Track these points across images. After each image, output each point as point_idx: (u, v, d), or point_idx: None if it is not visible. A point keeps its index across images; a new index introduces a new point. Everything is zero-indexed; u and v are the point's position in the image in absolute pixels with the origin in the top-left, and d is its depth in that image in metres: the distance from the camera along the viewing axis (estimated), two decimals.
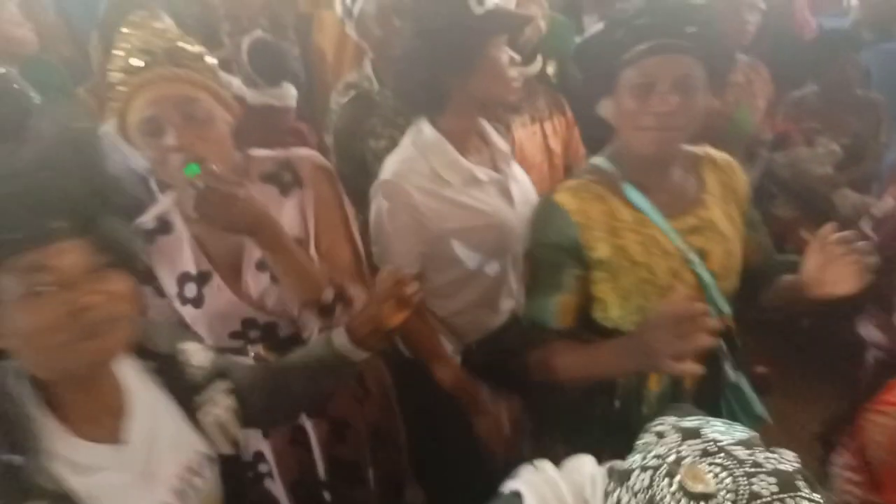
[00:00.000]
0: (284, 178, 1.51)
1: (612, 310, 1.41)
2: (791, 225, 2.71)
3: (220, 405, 1.20)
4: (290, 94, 2.42)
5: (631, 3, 1.32)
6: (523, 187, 1.74)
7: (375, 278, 1.31)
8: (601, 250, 1.39)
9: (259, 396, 1.27)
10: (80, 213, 0.97)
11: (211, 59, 1.41)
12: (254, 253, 1.46)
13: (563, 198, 1.42)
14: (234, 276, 1.47)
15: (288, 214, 1.49)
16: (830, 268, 1.29)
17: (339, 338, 1.27)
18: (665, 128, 1.31)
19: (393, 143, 1.83)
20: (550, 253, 1.43)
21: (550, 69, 2.40)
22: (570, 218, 1.40)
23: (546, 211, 1.45)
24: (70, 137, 0.98)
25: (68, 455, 1.01)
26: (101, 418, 1.05)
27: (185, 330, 1.27)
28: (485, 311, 1.74)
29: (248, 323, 1.48)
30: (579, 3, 3.68)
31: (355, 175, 2.02)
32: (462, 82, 1.57)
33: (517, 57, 1.62)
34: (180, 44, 1.35)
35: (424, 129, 1.64)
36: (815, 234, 1.33)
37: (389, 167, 1.64)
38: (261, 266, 1.46)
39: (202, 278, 1.45)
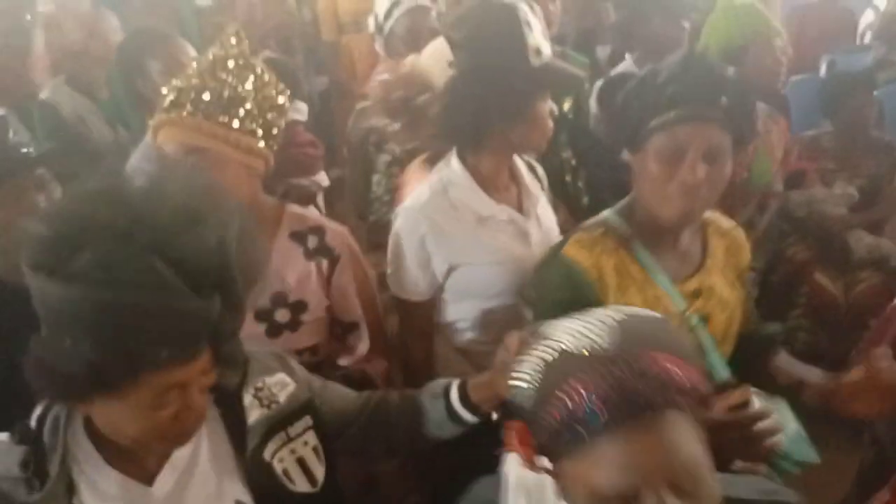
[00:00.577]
0: (310, 243, 1.55)
1: None
2: (805, 266, 2.69)
3: (301, 443, 1.18)
4: (302, 109, 2.46)
5: (665, 67, 1.31)
6: (546, 230, 1.75)
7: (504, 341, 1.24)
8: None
9: (356, 431, 1.28)
10: (223, 331, 0.99)
11: (270, 94, 1.43)
12: (260, 300, 1.47)
13: (577, 254, 1.39)
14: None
15: (300, 276, 1.53)
16: (874, 395, 1.26)
17: (455, 393, 1.26)
18: (691, 198, 1.29)
19: (400, 159, 1.85)
20: (562, 312, 1.39)
21: (566, 105, 2.40)
22: (585, 277, 1.37)
23: (558, 267, 1.42)
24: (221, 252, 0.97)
25: (97, 480, 1.03)
26: (143, 458, 1.06)
27: (276, 360, 1.24)
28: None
29: None
30: (593, 35, 3.71)
31: (363, 183, 2.04)
32: (506, 128, 1.57)
33: (555, 108, 1.64)
34: (236, 84, 1.37)
35: (452, 163, 1.65)
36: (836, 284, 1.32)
37: (413, 195, 1.66)
38: (261, 316, 1.49)
39: None
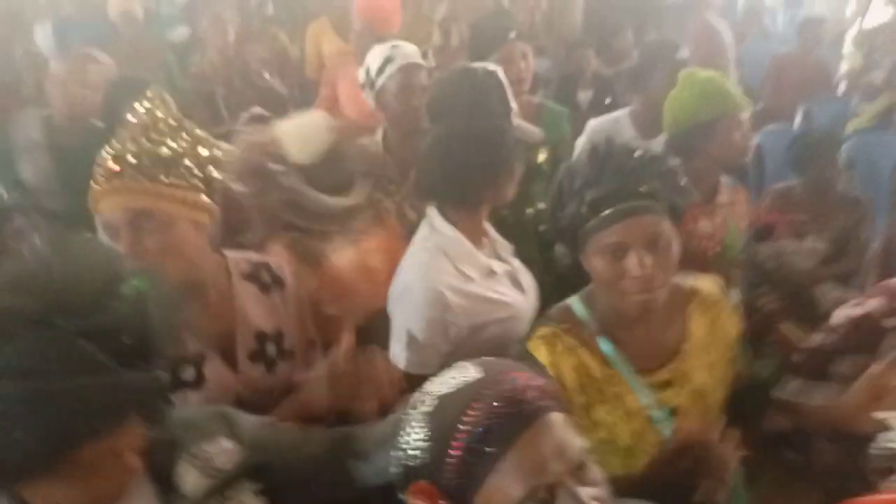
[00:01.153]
0: (263, 278, 1.57)
1: None
2: (772, 317, 2.73)
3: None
4: None
5: (578, 171, 1.32)
6: (528, 276, 1.79)
7: None
8: (572, 408, 1.29)
9: (320, 483, 1.27)
10: (149, 396, 1.02)
11: (203, 152, 1.44)
12: (247, 344, 1.49)
13: (537, 351, 1.38)
14: (228, 359, 1.51)
15: (268, 310, 1.56)
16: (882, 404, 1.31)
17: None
18: (645, 290, 1.28)
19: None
20: None
21: (542, 157, 2.46)
22: (547, 372, 1.33)
23: (522, 360, 1.33)
24: (143, 316, 0.99)
25: None
26: None
27: (218, 423, 1.23)
28: None
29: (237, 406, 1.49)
30: (574, 80, 3.79)
31: None
32: (486, 187, 1.64)
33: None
34: (171, 144, 1.38)
35: (438, 224, 1.69)
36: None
37: (413, 267, 1.68)
38: (254, 357, 1.52)
39: (198, 361, 1.47)
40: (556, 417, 0.88)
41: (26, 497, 1.02)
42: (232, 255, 1.61)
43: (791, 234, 2.80)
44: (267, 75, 3.14)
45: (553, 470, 0.84)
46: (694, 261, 1.45)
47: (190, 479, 1.15)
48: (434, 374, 1.63)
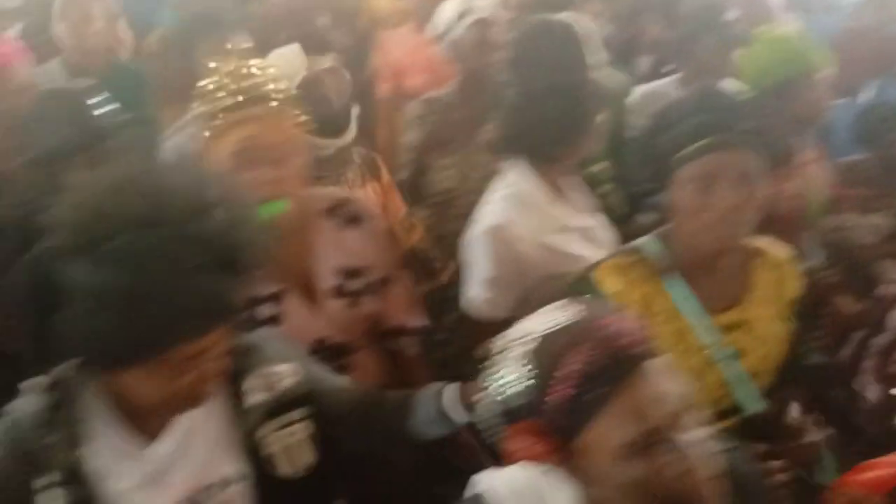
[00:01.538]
0: (344, 214, 1.61)
1: None
2: (829, 290, 2.68)
3: (292, 431, 1.25)
4: None
5: (686, 100, 1.36)
6: (607, 234, 1.81)
7: None
8: None
9: (349, 425, 1.34)
10: (239, 303, 1.08)
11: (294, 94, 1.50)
12: (327, 280, 1.51)
13: (605, 279, 1.41)
14: (308, 294, 1.55)
15: (349, 246, 1.59)
16: None
17: (450, 393, 1.31)
18: (728, 224, 1.31)
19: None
20: None
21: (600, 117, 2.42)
22: (606, 298, 1.38)
23: (585, 290, 1.42)
24: (239, 227, 1.05)
25: (104, 433, 1.12)
26: (149, 418, 1.15)
27: (284, 350, 1.31)
28: None
29: (318, 343, 1.56)
30: (633, 45, 3.71)
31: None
32: (566, 141, 1.67)
33: None
34: (271, 85, 1.41)
35: (517, 175, 1.71)
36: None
37: (490, 213, 1.70)
38: (335, 293, 1.56)
39: (276, 298, 1.52)
40: (660, 362, 0.89)
41: (111, 387, 1.11)
42: (318, 190, 1.65)
43: (856, 208, 2.73)
44: (327, 25, 3.13)
45: (657, 416, 0.85)
46: (776, 222, 1.47)
47: (256, 395, 1.23)
48: (506, 319, 1.70)
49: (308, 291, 1.56)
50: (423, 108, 2.34)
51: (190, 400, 1.13)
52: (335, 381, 1.41)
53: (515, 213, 1.68)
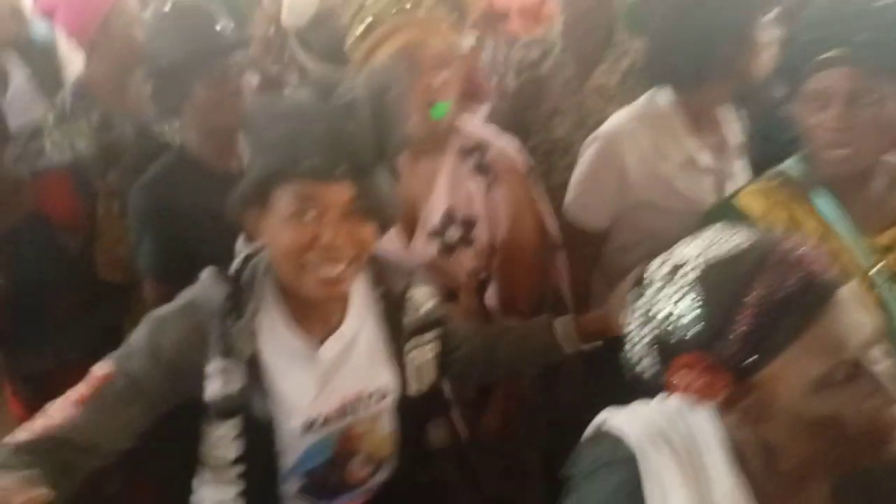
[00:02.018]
0: (475, 159, 1.56)
1: None
2: None
3: (426, 350, 1.29)
4: None
5: (804, 18, 1.29)
6: (743, 179, 1.68)
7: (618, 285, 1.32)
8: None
9: (466, 350, 1.38)
10: (363, 162, 1.08)
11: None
12: (431, 219, 1.47)
13: (749, 202, 1.36)
14: (408, 225, 1.51)
15: (471, 193, 1.54)
16: None
17: (564, 326, 1.33)
18: (844, 145, 1.25)
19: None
20: None
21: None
22: (752, 222, 1.33)
23: (727, 215, 1.35)
24: (375, 93, 1.09)
25: (277, 328, 1.16)
26: (316, 325, 1.20)
27: (420, 276, 1.35)
28: None
29: None
30: None
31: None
32: (729, 55, 1.50)
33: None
34: None
35: (661, 97, 1.61)
36: None
37: (612, 122, 1.64)
38: (434, 234, 1.53)
39: None
40: (850, 289, 0.81)
41: (261, 238, 1.17)
42: (465, 123, 1.60)
43: None
44: None
45: (853, 346, 0.78)
46: None
47: (407, 315, 1.28)
48: (592, 228, 1.66)
49: (409, 223, 1.53)
50: (525, 52, 2.22)
51: (326, 259, 1.10)
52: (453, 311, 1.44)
53: (637, 129, 1.60)
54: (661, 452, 0.85)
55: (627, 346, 0.89)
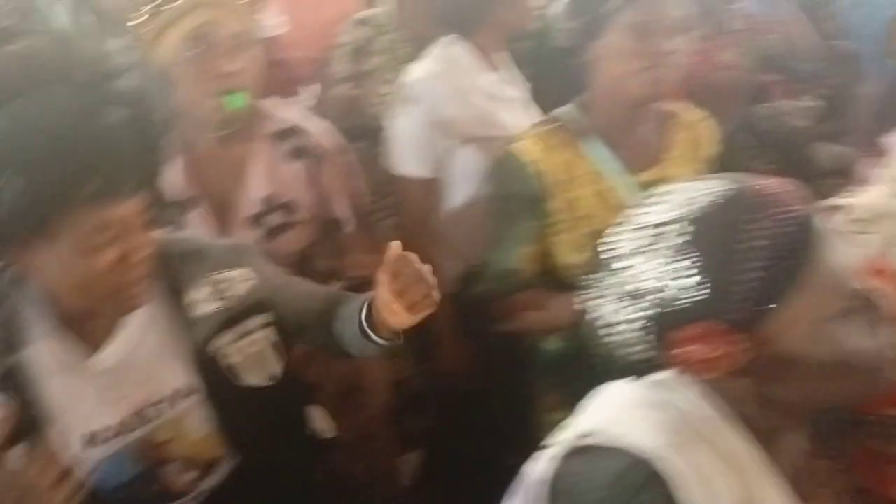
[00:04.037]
0: (292, 142, 1.51)
1: (565, 260, 1.43)
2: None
3: (254, 339, 1.19)
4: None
5: None
6: (533, 110, 1.79)
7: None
8: (556, 201, 1.41)
9: (307, 322, 1.28)
10: (149, 169, 1.02)
11: None
12: (249, 206, 1.43)
13: (526, 149, 1.44)
14: (221, 213, 1.45)
15: (290, 178, 1.50)
16: None
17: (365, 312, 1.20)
18: (662, 67, 1.35)
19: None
20: (510, 204, 1.45)
21: None
22: (529, 169, 1.42)
23: (506, 161, 1.46)
24: (152, 95, 1.00)
25: (44, 339, 1.07)
26: (94, 332, 1.10)
27: (237, 254, 1.23)
28: None
29: None
30: None
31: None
32: (497, 9, 1.65)
33: None
34: None
35: (454, 43, 1.69)
36: None
37: (415, 73, 1.69)
38: (253, 221, 1.47)
39: (185, 206, 1.44)
40: (824, 221, 0.79)
41: (35, 272, 1.03)
42: (273, 108, 1.52)
43: (787, 95, 2.75)
44: None
45: (848, 275, 0.77)
46: (709, 92, 1.62)
47: (206, 305, 1.16)
48: (416, 176, 1.66)
49: (222, 211, 1.47)
50: (355, 32, 2.18)
51: (120, 293, 1.04)
52: (300, 284, 1.33)
53: (440, 72, 1.68)
54: (685, 452, 0.76)
55: (605, 331, 0.81)
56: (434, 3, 1.73)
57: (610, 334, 0.80)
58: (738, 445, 0.79)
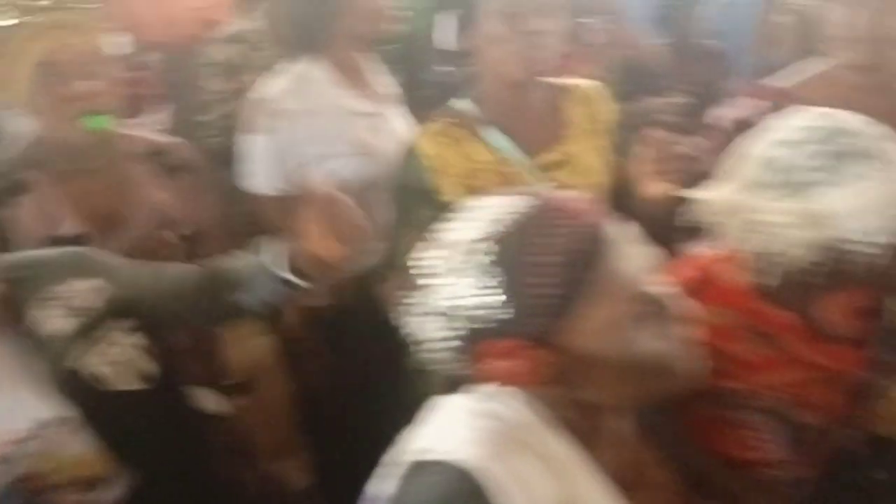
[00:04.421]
0: (161, 162, 1.52)
1: None
2: None
3: (119, 345, 1.16)
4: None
5: None
6: (400, 126, 1.80)
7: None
8: (452, 194, 1.44)
9: (197, 316, 1.26)
10: None
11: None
12: (140, 227, 1.46)
13: (422, 143, 1.50)
14: (109, 239, 1.44)
15: (165, 196, 1.50)
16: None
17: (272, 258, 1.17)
18: (535, 47, 1.40)
19: None
20: (406, 197, 1.50)
21: None
22: (424, 163, 1.47)
23: (405, 156, 1.52)
24: None
25: None
26: None
27: (81, 262, 1.17)
28: None
29: None
30: None
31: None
32: (337, 23, 1.65)
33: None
34: None
35: (302, 62, 1.69)
36: None
37: (265, 91, 1.69)
38: (148, 241, 1.47)
39: (77, 242, 1.40)
40: (622, 226, 0.83)
41: None
42: (130, 130, 1.53)
43: (655, 93, 2.87)
44: None
45: (636, 279, 0.80)
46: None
47: (51, 321, 1.10)
48: (269, 194, 1.69)
49: (116, 237, 1.47)
50: (226, 50, 2.18)
51: None
52: (163, 272, 1.28)
53: (286, 92, 1.69)
54: (506, 460, 0.79)
55: (420, 345, 0.83)
56: (283, 24, 1.74)
57: (428, 351, 0.83)
58: (560, 449, 0.82)
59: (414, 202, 1.48)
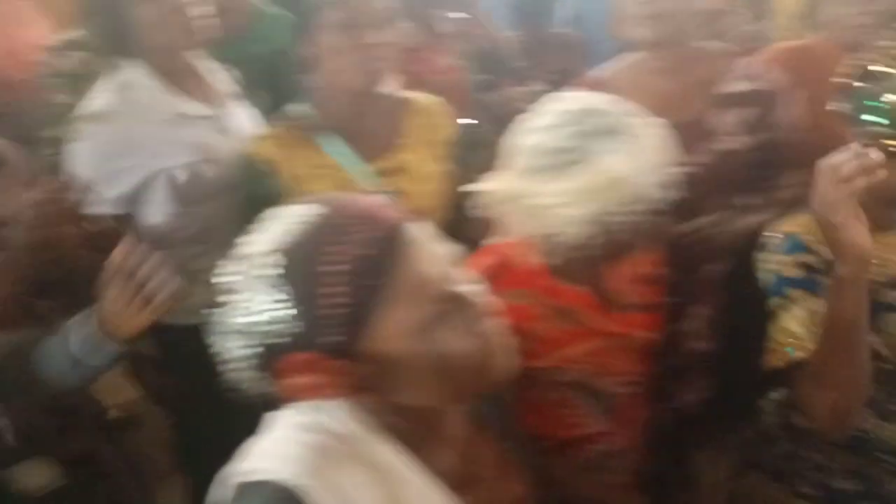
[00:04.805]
0: None
1: None
2: None
3: None
4: None
5: None
6: (242, 125, 1.76)
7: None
8: (290, 198, 1.42)
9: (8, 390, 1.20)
10: None
11: None
12: None
13: (262, 147, 1.52)
14: None
15: None
16: None
17: (79, 331, 1.14)
18: (373, 59, 1.45)
19: None
20: (251, 203, 1.49)
21: None
22: (266, 167, 1.49)
23: (245, 162, 1.54)
24: None
25: None
26: None
27: None
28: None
29: None
30: None
31: None
32: (142, 28, 1.58)
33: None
34: None
35: (124, 69, 1.63)
36: None
37: (89, 102, 1.63)
38: None
39: None
40: (420, 226, 0.81)
41: None
42: None
43: (515, 82, 2.95)
44: None
45: (439, 278, 0.78)
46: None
47: None
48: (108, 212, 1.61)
49: None
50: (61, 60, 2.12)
51: None
52: None
53: (113, 102, 1.63)
54: (328, 473, 0.77)
55: (224, 364, 0.79)
56: (92, 33, 1.70)
57: (229, 370, 0.79)
58: (387, 456, 0.81)
59: (256, 208, 1.49)
